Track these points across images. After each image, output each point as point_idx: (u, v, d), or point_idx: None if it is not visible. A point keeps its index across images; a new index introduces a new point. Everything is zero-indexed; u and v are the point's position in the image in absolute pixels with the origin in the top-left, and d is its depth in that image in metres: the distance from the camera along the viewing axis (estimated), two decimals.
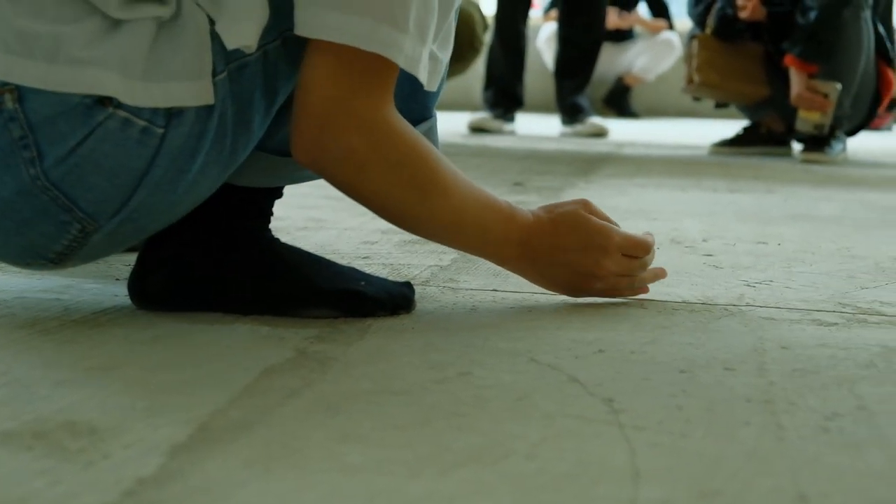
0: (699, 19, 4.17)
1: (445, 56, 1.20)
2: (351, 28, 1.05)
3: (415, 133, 1.15)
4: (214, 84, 1.08)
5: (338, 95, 1.08)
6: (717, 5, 4.08)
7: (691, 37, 4.17)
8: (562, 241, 1.25)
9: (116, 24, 1.05)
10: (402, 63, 1.08)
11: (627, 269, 1.29)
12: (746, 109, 4.27)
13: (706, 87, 4.13)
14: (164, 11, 1.06)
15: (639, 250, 1.29)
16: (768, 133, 4.19)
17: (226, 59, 1.08)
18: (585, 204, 1.28)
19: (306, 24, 1.06)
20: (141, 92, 1.05)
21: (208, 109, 1.08)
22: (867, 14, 3.86)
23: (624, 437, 0.83)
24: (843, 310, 1.33)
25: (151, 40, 1.05)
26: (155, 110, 1.06)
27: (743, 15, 4.00)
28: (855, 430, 0.87)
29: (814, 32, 3.79)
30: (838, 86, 3.77)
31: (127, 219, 1.12)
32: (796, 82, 3.82)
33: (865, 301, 1.39)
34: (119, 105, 1.05)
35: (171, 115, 1.07)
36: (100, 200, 1.09)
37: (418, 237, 1.33)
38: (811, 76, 3.81)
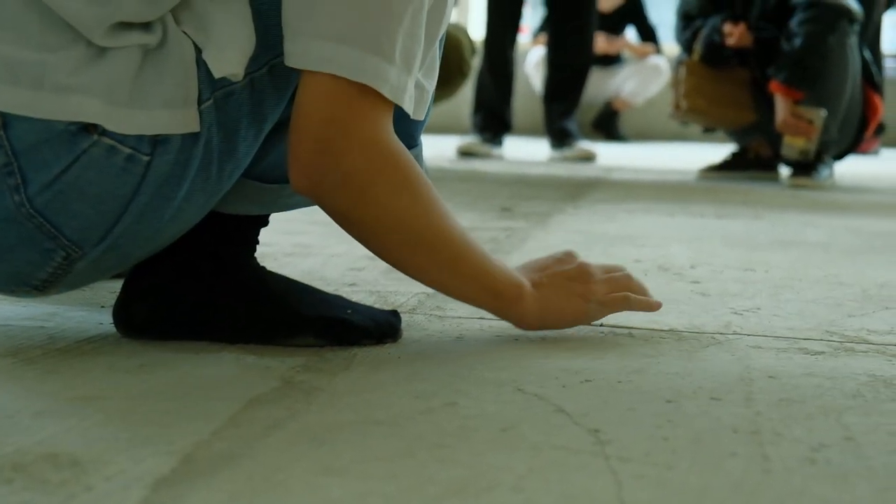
0: (686, 45, 4.19)
1: (431, 85, 1.20)
2: (338, 58, 1.05)
3: (413, 158, 1.14)
4: (200, 112, 1.08)
5: (337, 117, 1.07)
6: (704, 32, 4.09)
7: (679, 62, 4.18)
8: (547, 268, 1.27)
9: (102, 51, 1.05)
10: (388, 93, 1.07)
11: (616, 286, 1.29)
12: (734, 134, 4.28)
13: (693, 112, 4.14)
14: (150, 39, 1.06)
15: (614, 269, 1.31)
16: (756, 158, 4.20)
17: (212, 87, 1.08)
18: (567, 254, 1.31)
19: (294, 54, 1.06)
20: (126, 119, 1.05)
21: (194, 137, 1.08)
22: (853, 40, 3.87)
23: (610, 468, 0.83)
24: (831, 338, 1.33)
25: (137, 68, 1.05)
26: (140, 137, 1.06)
27: (730, 42, 4.01)
28: (842, 462, 0.86)
29: (799, 59, 3.80)
30: (823, 112, 3.78)
31: (112, 246, 1.11)
32: (781, 108, 3.82)
33: (853, 329, 1.39)
34: (104, 132, 1.05)
35: (157, 142, 1.07)
36: (84, 228, 1.09)
37: None
38: (797, 102, 3.82)
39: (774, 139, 4.04)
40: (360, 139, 1.08)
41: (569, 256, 1.31)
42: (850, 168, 4.74)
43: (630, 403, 1.01)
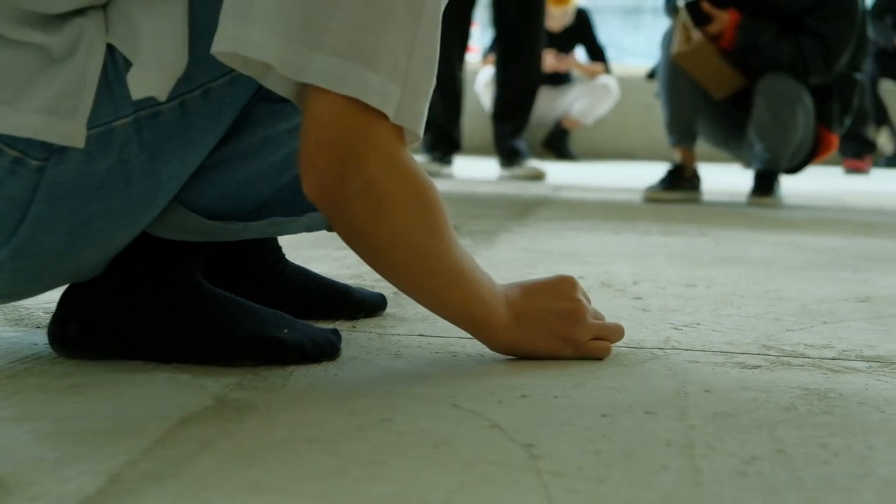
0: (672, 8, 4.13)
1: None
2: (355, 79, 1.02)
3: (426, 174, 1.13)
4: (112, 128, 1.06)
5: (356, 127, 1.04)
6: None
7: (674, 8, 4.07)
8: (539, 300, 1.25)
9: (4, 43, 1.04)
10: (405, 122, 1.06)
11: (601, 333, 1.28)
12: (676, 132, 4.18)
13: (700, 53, 3.95)
14: (51, 41, 1.04)
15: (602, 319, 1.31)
16: (692, 176, 4.18)
17: (136, 105, 1.07)
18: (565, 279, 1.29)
19: (308, 70, 1.01)
20: (2, 117, 1.04)
21: (104, 152, 1.07)
22: (809, 102, 3.94)
23: (542, 483, 0.83)
24: (768, 352, 1.33)
25: (32, 68, 1.04)
26: (29, 141, 1.05)
27: (712, 28, 3.97)
28: (773, 474, 0.87)
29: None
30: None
31: (20, 255, 1.10)
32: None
33: (790, 343, 1.39)
34: None
35: (52, 150, 1.06)
36: None
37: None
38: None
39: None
40: (379, 149, 1.06)
41: (568, 286, 1.27)
42: (795, 186, 4.79)
43: (565, 418, 1.01)
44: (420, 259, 1.13)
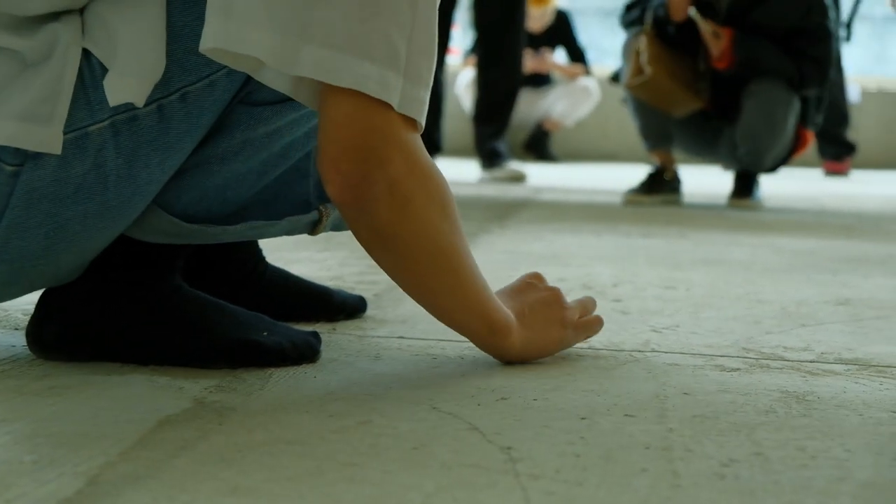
0: (633, 21, 4.12)
1: None
2: (370, 76, 1.01)
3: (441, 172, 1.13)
4: (88, 133, 1.06)
5: (378, 126, 1.03)
6: (652, 4, 4.04)
7: (634, 35, 4.06)
8: (523, 296, 1.26)
9: None
10: (417, 115, 1.06)
11: (585, 310, 1.31)
12: (650, 138, 4.19)
13: (653, 84, 3.94)
14: (25, 46, 1.04)
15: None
16: (671, 179, 4.19)
17: (112, 110, 1.06)
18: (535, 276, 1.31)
19: (320, 66, 1.00)
20: None
21: (79, 156, 1.06)
22: (797, 104, 3.97)
23: (519, 485, 0.83)
24: (747, 355, 1.34)
25: (7, 74, 1.04)
26: (3, 147, 1.05)
27: (673, 15, 3.97)
28: (751, 477, 0.87)
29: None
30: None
31: None
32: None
33: (769, 346, 1.40)
34: None
35: (27, 155, 1.05)
36: None
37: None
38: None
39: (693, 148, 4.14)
40: (401, 147, 1.05)
41: (538, 279, 1.30)
42: (776, 188, 4.80)
43: (544, 421, 1.01)
44: (441, 258, 1.12)
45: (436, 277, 1.13)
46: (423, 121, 1.07)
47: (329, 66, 0.99)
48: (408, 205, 1.07)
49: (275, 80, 1.04)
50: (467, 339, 1.26)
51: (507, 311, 1.21)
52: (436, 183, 1.10)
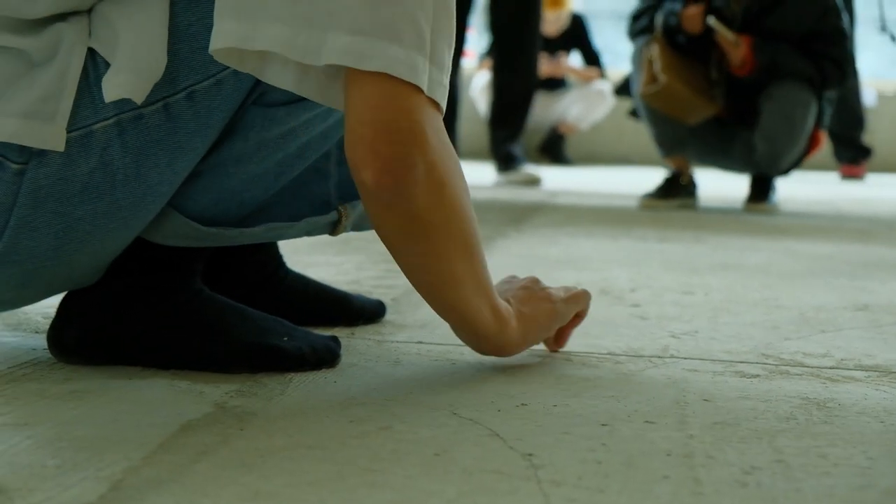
0: (642, 31, 4.12)
1: None
2: (401, 60, 0.99)
3: None
4: (93, 131, 1.06)
5: (412, 105, 1.00)
6: (661, 13, 4.03)
7: (644, 43, 4.05)
8: (503, 291, 1.27)
9: None
10: (439, 96, 1.04)
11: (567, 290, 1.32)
12: (664, 144, 4.19)
13: (667, 92, 3.92)
14: (31, 45, 1.04)
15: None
16: (688, 184, 4.18)
17: (116, 107, 1.06)
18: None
19: (348, 52, 0.98)
20: None
21: (84, 154, 1.07)
22: (816, 105, 3.98)
23: (541, 492, 0.83)
24: (766, 361, 1.34)
25: (13, 73, 1.05)
26: (8, 145, 1.05)
27: (686, 25, 3.96)
28: (772, 484, 0.87)
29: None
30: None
31: (7, 260, 1.10)
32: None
33: (788, 352, 1.40)
34: None
35: (32, 153, 1.06)
36: None
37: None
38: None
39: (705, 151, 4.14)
40: (435, 129, 1.03)
41: (510, 276, 1.33)
42: (792, 192, 4.79)
43: (565, 427, 1.01)
44: (466, 244, 1.11)
45: (459, 264, 1.11)
46: (444, 106, 1.06)
47: (357, 51, 0.97)
48: (444, 188, 1.05)
49: (278, 77, 1.03)
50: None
51: (503, 301, 1.21)
52: (460, 168, 1.10)
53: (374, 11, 0.98)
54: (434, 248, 1.09)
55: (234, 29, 0.98)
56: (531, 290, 1.27)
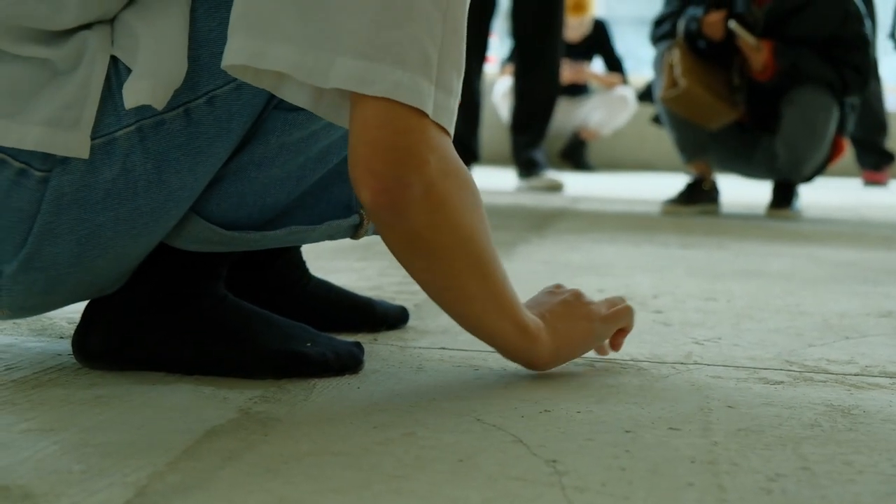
0: (665, 35, 4.11)
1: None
2: (403, 84, 1.00)
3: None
4: (115, 138, 1.07)
5: (412, 126, 1.01)
6: (683, 19, 4.02)
7: (666, 48, 4.04)
8: (544, 304, 1.26)
9: (7, 58, 1.06)
10: (445, 122, 1.05)
11: (613, 302, 1.30)
12: (686, 151, 4.18)
13: (687, 96, 3.92)
14: (55, 55, 1.05)
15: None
16: (710, 189, 4.17)
17: (138, 114, 1.07)
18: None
19: (350, 77, 0.99)
20: (5, 130, 1.05)
21: (107, 161, 1.07)
22: (837, 111, 3.97)
23: (566, 498, 0.83)
24: (790, 368, 1.33)
25: (36, 82, 1.05)
26: (32, 153, 1.06)
27: (706, 30, 3.96)
28: (797, 492, 0.87)
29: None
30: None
31: (31, 266, 1.10)
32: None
33: (812, 359, 1.39)
34: None
35: (55, 161, 1.07)
36: None
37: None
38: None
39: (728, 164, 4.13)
40: (436, 149, 1.04)
41: (556, 288, 1.31)
42: (815, 199, 4.78)
43: (589, 434, 1.01)
44: (476, 262, 1.11)
45: (470, 282, 1.12)
46: (452, 130, 1.07)
47: (361, 75, 0.98)
48: (443, 208, 1.06)
49: (295, 95, 1.04)
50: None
51: (534, 317, 1.20)
52: (469, 186, 1.09)
53: (381, 35, 0.98)
54: (440, 265, 1.10)
55: (245, 47, 0.99)
56: (571, 306, 1.26)
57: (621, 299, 1.32)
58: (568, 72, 7.10)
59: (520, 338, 1.18)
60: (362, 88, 0.99)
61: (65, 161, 1.06)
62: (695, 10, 4.01)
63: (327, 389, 1.15)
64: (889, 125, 6.68)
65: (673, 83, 3.92)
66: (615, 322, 1.29)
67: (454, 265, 1.10)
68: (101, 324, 1.19)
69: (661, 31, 4.13)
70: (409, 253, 1.10)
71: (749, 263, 2.47)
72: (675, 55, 3.93)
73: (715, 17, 3.94)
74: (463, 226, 1.08)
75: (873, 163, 6.72)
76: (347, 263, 2.16)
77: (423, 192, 1.04)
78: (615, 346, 1.32)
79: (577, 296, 1.28)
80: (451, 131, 1.06)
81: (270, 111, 1.13)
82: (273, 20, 0.98)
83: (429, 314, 1.62)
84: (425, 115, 1.02)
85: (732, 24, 3.90)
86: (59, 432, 0.97)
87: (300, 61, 0.98)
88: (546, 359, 1.22)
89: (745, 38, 3.87)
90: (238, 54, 0.99)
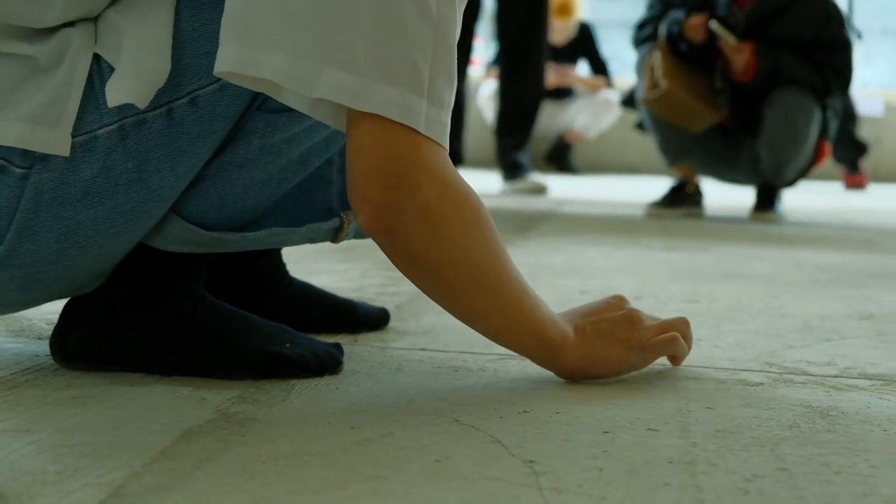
0: (645, 39, 4.12)
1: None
2: (394, 101, 1.00)
3: (477, 194, 1.11)
4: (97, 136, 1.06)
5: (404, 153, 1.02)
6: (665, 23, 4.04)
7: (647, 51, 4.06)
8: (594, 315, 1.23)
9: None
10: (439, 137, 1.05)
11: (664, 329, 1.26)
12: (669, 153, 4.19)
13: (668, 98, 3.93)
14: (38, 52, 1.05)
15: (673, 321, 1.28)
16: (694, 193, 4.18)
17: (120, 112, 1.07)
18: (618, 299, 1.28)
19: (345, 91, 0.99)
20: None
21: (88, 159, 1.07)
22: (818, 115, 3.98)
23: (543, 499, 0.83)
24: (770, 369, 1.33)
25: (20, 78, 1.05)
26: (12, 149, 1.05)
27: (688, 33, 3.97)
28: (774, 493, 0.86)
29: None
30: None
31: (9, 263, 1.10)
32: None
33: (792, 360, 1.39)
34: None
35: (35, 157, 1.06)
36: None
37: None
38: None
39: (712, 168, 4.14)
40: (429, 171, 1.04)
41: (619, 301, 1.27)
42: (798, 202, 4.79)
43: (567, 434, 1.01)
44: (483, 280, 1.11)
45: (479, 299, 1.12)
46: (446, 144, 1.07)
47: (350, 90, 0.99)
48: (440, 229, 1.06)
49: (293, 100, 1.05)
50: (497, 352, 1.26)
51: (562, 327, 1.18)
52: (469, 203, 1.09)
53: (371, 50, 0.99)
54: (445, 284, 1.11)
55: (235, 54, 0.99)
56: (617, 327, 1.22)
57: (679, 324, 1.28)
58: (553, 75, 7.12)
59: (541, 350, 1.18)
60: (352, 103, 0.99)
61: (45, 158, 1.06)
62: (676, 14, 4.02)
63: (306, 390, 1.15)
64: (857, 113, 6.70)
65: (654, 85, 3.93)
66: (654, 353, 1.25)
67: (458, 284, 1.10)
68: (79, 324, 1.19)
69: (643, 34, 4.14)
70: (412, 273, 1.11)
71: (732, 266, 2.48)
72: (657, 57, 3.95)
73: (696, 21, 3.95)
74: (463, 245, 1.08)
75: (849, 157, 6.73)
76: (330, 265, 2.16)
77: (417, 215, 1.04)
78: (673, 364, 1.31)
79: (630, 318, 1.24)
80: (446, 144, 1.06)
81: (253, 112, 1.13)
82: (264, 29, 0.98)
83: (409, 315, 1.61)
84: (417, 132, 1.02)
85: (714, 25, 3.91)
86: (35, 433, 0.97)
87: (289, 70, 0.98)
88: (571, 370, 1.20)
89: (727, 38, 3.89)
90: (227, 61, 0.99)
